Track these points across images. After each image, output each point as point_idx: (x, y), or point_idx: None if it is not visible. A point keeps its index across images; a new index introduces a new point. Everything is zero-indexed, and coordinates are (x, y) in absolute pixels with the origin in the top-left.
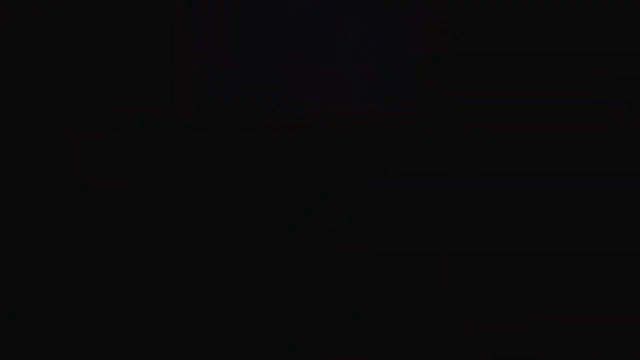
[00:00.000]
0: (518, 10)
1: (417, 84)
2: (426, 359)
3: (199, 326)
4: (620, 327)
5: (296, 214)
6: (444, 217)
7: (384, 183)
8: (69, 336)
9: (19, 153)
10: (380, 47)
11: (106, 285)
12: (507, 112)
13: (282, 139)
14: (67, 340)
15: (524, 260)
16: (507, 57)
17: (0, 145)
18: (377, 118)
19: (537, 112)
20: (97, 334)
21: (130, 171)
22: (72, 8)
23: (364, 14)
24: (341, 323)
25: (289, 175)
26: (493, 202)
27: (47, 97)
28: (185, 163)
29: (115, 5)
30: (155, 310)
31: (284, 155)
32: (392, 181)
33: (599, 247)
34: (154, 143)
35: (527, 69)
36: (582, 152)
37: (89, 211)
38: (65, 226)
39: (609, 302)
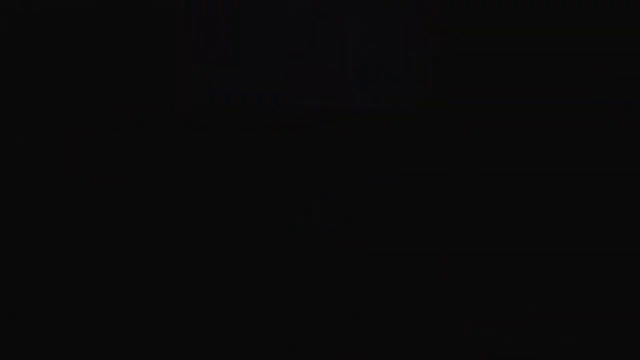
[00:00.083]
0: (518, 10)
1: (417, 84)
2: (426, 359)
3: (199, 326)
4: (620, 327)
5: (296, 214)
6: (444, 217)
7: (384, 183)
8: (69, 336)
9: (19, 153)
10: (380, 47)
11: (106, 285)
12: (507, 112)
13: (282, 139)
14: (67, 340)
15: (524, 260)
16: (507, 57)
17: (0, 145)
18: (377, 118)
19: (537, 112)
20: (97, 334)
21: (131, 171)
22: (72, 8)
23: (364, 14)
24: (341, 323)
25: (289, 175)
26: (493, 202)
27: (47, 97)
28: (186, 163)
29: (115, 6)
30: (156, 310)
31: (284, 155)
32: (392, 181)
33: (599, 247)
34: (154, 143)
35: (527, 69)
36: (582, 152)
37: (89, 211)
38: (65, 226)
39: (609, 302)
